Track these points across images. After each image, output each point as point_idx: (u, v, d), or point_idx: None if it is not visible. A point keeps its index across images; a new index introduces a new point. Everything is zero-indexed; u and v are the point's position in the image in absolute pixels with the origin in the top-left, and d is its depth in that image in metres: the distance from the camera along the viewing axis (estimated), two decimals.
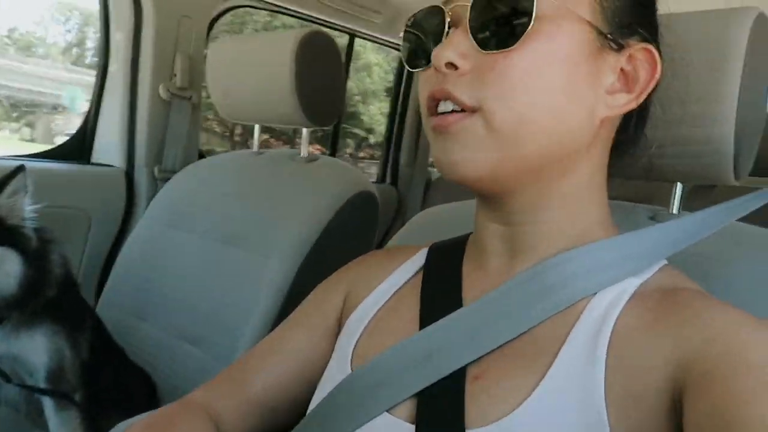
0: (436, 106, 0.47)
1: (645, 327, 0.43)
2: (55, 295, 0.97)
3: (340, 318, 0.61)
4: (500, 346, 0.47)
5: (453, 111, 0.45)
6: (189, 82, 1.56)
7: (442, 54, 0.45)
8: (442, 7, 0.48)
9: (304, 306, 0.65)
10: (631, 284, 0.46)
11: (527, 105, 0.44)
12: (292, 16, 1.92)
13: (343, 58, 2.21)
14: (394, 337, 0.52)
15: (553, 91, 0.45)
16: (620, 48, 0.47)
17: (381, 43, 2.33)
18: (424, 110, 0.49)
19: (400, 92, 2.45)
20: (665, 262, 0.50)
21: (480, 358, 0.47)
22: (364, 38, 2.23)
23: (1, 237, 0.91)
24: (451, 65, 0.45)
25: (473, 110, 0.45)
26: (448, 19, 0.47)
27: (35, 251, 0.94)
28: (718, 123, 0.56)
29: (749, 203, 0.50)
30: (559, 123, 0.46)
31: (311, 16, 1.91)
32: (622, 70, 0.48)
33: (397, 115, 2.46)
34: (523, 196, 0.49)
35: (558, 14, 0.44)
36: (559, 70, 0.45)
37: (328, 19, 1.94)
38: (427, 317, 0.52)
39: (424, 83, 0.49)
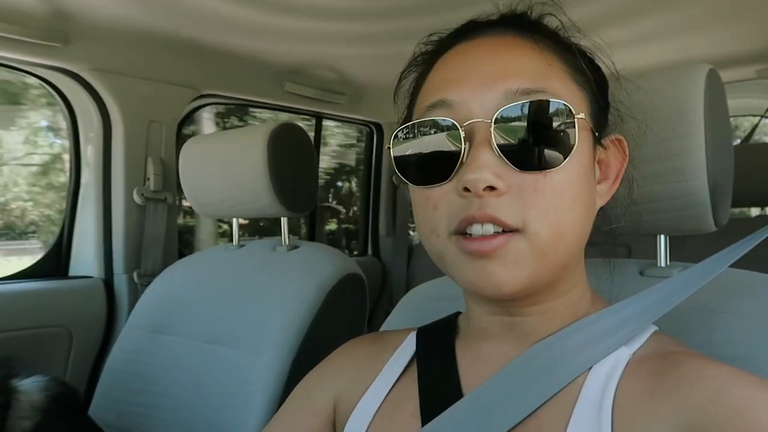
0: (468, 226, 0.45)
1: (643, 396, 0.42)
2: (38, 424, 0.92)
3: (333, 420, 0.58)
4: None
5: (495, 233, 0.44)
6: (162, 184, 1.56)
7: (480, 177, 0.43)
8: (452, 121, 0.46)
9: (289, 405, 0.62)
10: (624, 354, 0.46)
11: (565, 220, 0.45)
12: (259, 107, 1.96)
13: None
14: None
15: (581, 201, 0.46)
16: (601, 142, 0.51)
17: (347, 121, 2.38)
18: (439, 230, 0.47)
19: (371, 164, 2.48)
20: (655, 328, 0.50)
21: None
22: (330, 119, 2.28)
23: None
24: (490, 187, 0.44)
25: (515, 230, 0.44)
26: (462, 134, 0.45)
27: None
28: (691, 177, 0.57)
29: (731, 255, 0.52)
30: (583, 227, 0.47)
31: (277, 105, 1.95)
32: (599, 160, 0.51)
33: (371, 187, 2.49)
34: (539, 295, 0.49)
35: (581, 127, 0.46)
36: (584, 180, 0.47)
37: (294, 106, 1.98)
38: (427, 412, 0.50)
39: (439, 200, 0.46)
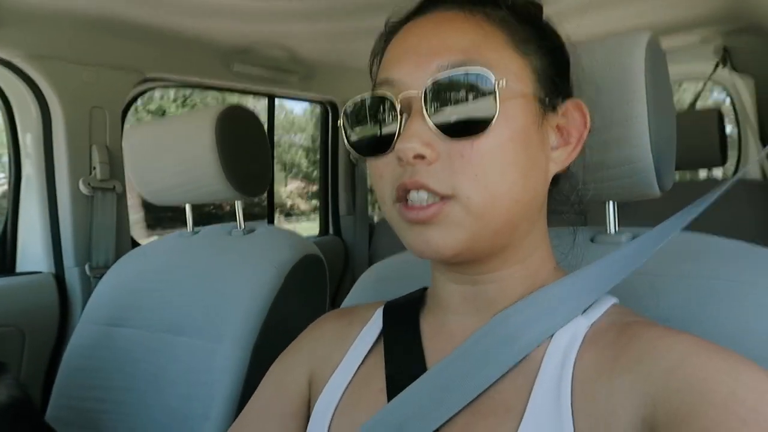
0: (406, 194, 0.47)
1: (603, 369, 0.43)
2: None
3: (309, 400, 0.59)
4: (470, 405, 0.46)
5: (429, 202, 0.46)
6: (110, 172, 1.51)
7: (408, 146, 0.45)
8: (389, 96, 0.48)
9: (263, 391, 0.62)
10: (582, 326, 0.47)
11: (498, 183, 0.46)
12: (209, 89, 1.91)
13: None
14: (366, 412, 0.51)
15: (516, 165, 0.47)
16: (555, 108, 0.51)
17: (301, 100, 2.34)
18: (385, 197, 0.49)
19: (328, 142, 2.46)
20: (615, 300, 0.51)
21: (451, 419, 0.46)
22: (282, 98, 2.24)
23: None
24: (419, 156, 0.45)
25: (447, 197, 0.46)
26: (398, 107, 0.47)
27: None
28: (634, 144, 0.58)
29: (681, 220, 0.52)
30: (524, 192, 0.48)
31: (227, 86, 1.90)
32: (557, 126, 0.51)
33: (329, 166, 2.47)
34: (491, 260, 0.50)
35: (510, 95, 0.46)
36: (519, 145, 0.47)
37: (244, 87, 1.93)
38: (393, 387, 0.51)
39: (383, 170, 0.49)
